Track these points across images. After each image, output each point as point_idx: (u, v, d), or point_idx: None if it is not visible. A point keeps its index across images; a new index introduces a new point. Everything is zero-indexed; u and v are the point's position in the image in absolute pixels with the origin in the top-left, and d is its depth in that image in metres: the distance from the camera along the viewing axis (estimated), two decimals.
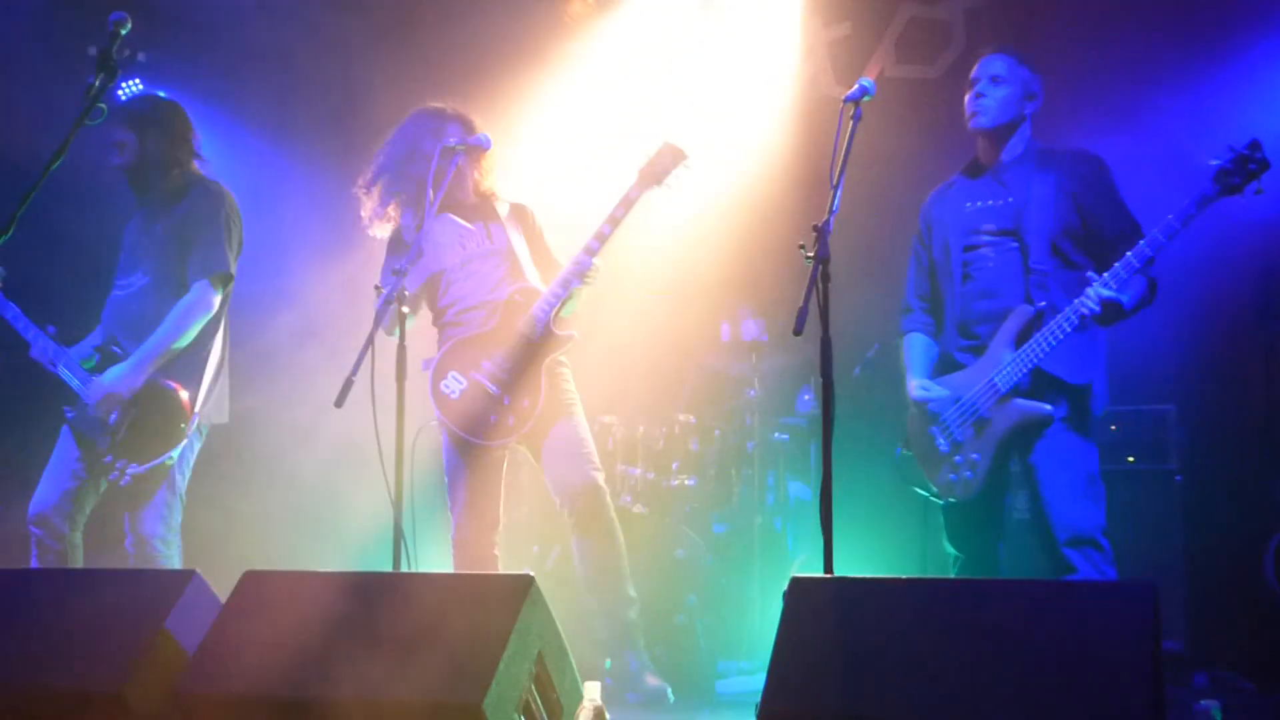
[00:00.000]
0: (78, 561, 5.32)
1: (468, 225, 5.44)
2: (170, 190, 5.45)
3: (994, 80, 4.77)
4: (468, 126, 5.34)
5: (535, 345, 5.20)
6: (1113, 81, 6.38)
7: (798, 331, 3.83)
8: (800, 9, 7.33)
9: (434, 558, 5.69)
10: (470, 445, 5.23)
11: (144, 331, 5.30)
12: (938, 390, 4.76)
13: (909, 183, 5.58)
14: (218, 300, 5.36)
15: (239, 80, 7.61)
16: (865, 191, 6.11)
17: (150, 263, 5.42)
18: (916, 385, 4.84)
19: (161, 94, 6.16)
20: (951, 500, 4.72)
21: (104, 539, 5.54)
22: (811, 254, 3.93)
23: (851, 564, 4.02)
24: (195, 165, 5.55)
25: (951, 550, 4.80)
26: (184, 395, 5.25)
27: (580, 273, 5.17)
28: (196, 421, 5.30)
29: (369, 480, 4.49)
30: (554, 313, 5.20)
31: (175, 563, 5.31)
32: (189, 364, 5.32)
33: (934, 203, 5.03)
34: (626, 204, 5.19)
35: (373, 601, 3.73)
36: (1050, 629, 3.06)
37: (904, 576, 3.43)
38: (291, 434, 7.31)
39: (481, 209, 5.50)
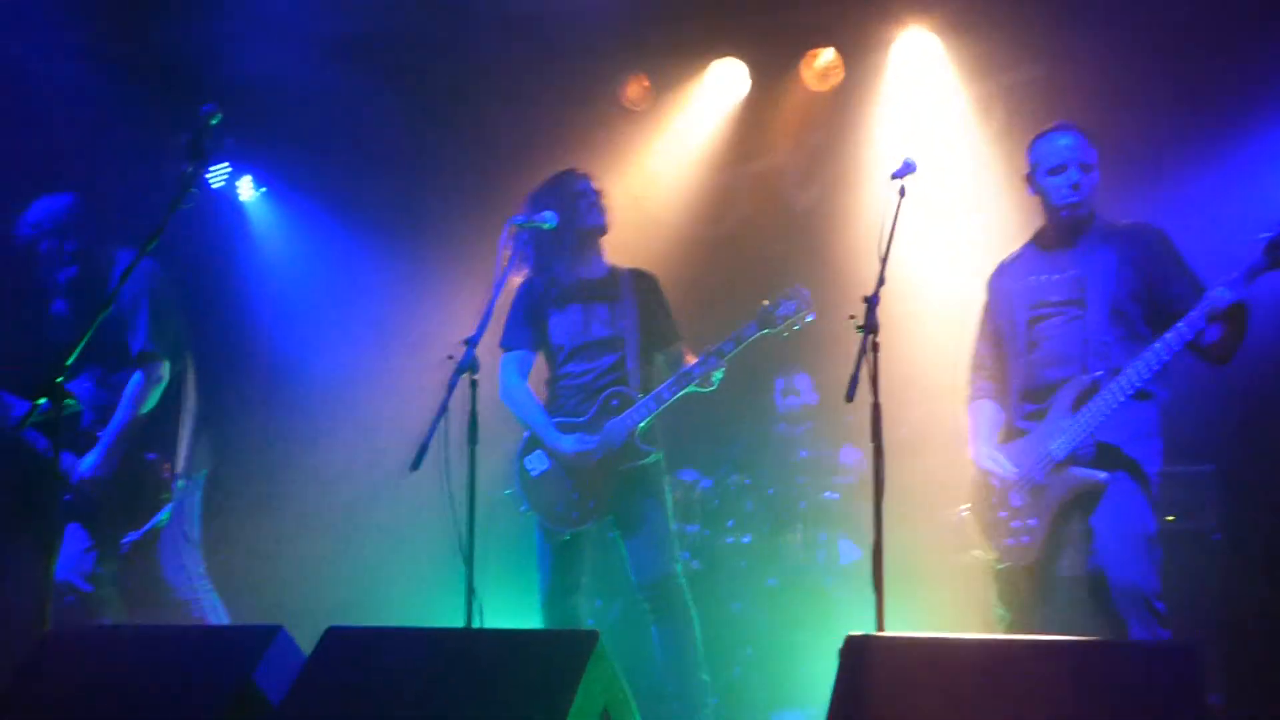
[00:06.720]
0: (119, 613, 5.46)
1: (585, 306, 5.36)
2: (98, 281, 5.47)
3: (1084, 168, 4.69)
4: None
5: (615, 453, 5.17)
6: (1154, 151, 6.35)
7: (849, 399, 3.84)
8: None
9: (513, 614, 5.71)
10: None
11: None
12: (1005, 464, 4.68)
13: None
14: (164, 369, 5.45)
15: (316, 162, 7.74)
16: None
17: (102, 351, 5.42)
18: (985, 455, 4.76)
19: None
20: (1010, 564, 4.64)
21: (142, 597, 5.62)
22: (861, 324, 3.96)
23: (900, 623, 4.00)
24: (107, 251, 5.52)
25: (1000, 610, 4.73)
26: (162, 464, 5.39)
27: (674, 390, 5.12)
28: (180, 483, 5.43)
29: (439, 535, 4.53)
30: (637, 426, 5.15)
31: (206, 606, 5.44)
32: (162, 430, 5.47)
33: (1000, 274, 4.96)
34: (737, 341, 5.08)
35: (447, 657, 3.76)
36: (1098, 688, 3.04)
37: (954, 635, 3.42)
38: (359, 492, 7.41)
39: (606, 285, 5.41)
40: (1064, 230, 4.77)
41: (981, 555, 4.73)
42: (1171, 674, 2.99)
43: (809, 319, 5.08)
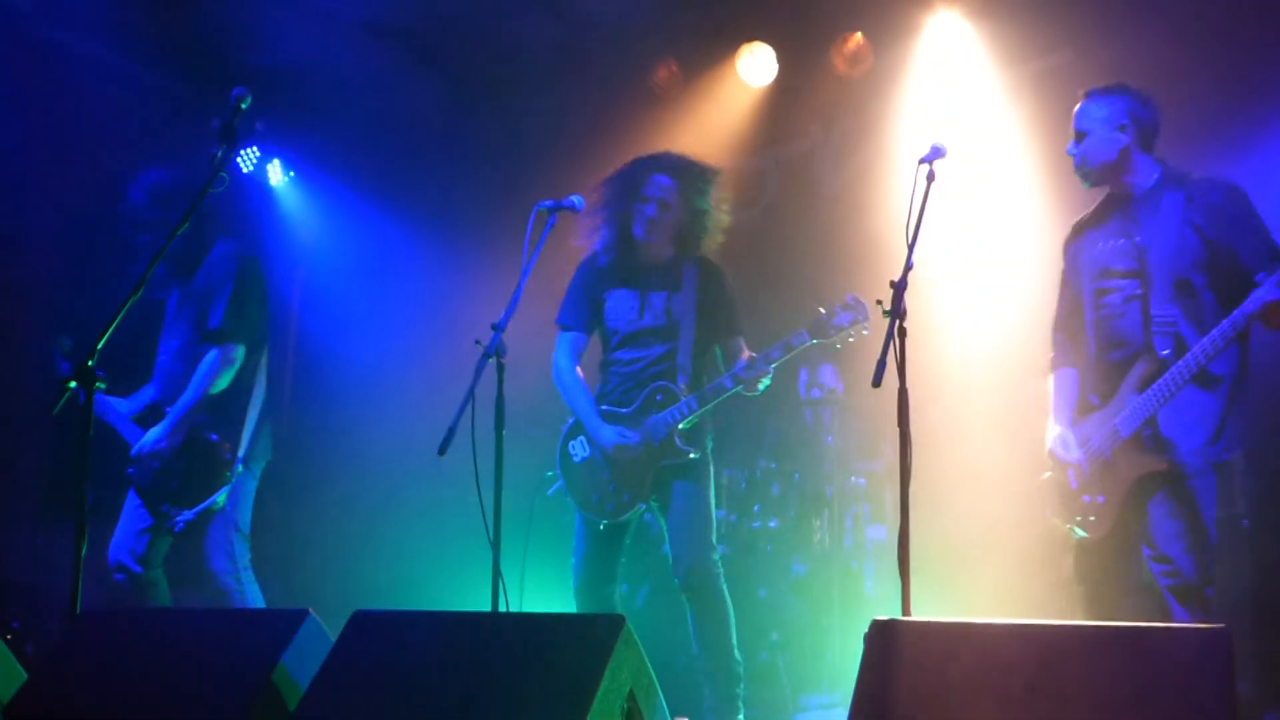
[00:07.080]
0: (162, 597, 5.47)
1: (643, 293, 5.26)
2: (190, 258, 5.50)
3: (1075, 138, 4.65)
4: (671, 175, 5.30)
5: (655, 450, 5.11)
6: (1182, 140, 6.26)
7: (876, 384, 3.79)
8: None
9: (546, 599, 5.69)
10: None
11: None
12: (1075, 453, 4.60)
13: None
14: (239, 353, 5.44)
15: (347, 147, 7.74)
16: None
17: (182, 326, 5.52)
18: (1058, 440, 4.68)
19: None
20: (1084, 535, 4.58)
21: (184, 578, 5.64)
22: (888, 309, 3.90)
23: (925, 607, 3.97)
24: (207, 231, 5.54)
25: (1077, 585, 4.67)
26: (224, 444, 5.37)
27: (717, 393, 5.06)
28: (239, 467, 5.41)
29: (472, 519, 4.51)
30: (677, 425, 5.08)
31: (249, 595, 5.43)
32: (230, 412, 5.44)
33: (1072, 239, 4.87)
34: (787, 348, 5.01)
35: (474, 641, 3.74)
36: (1126, 673, 3.00)
37: (980, 620, 3.38)
38: (393, 477, 7.41)
39: (667, 273, 5.30)
40: (1115, 190, 4.70)
41: (1059, 524, 4.67)
42: (1202, 659, 2.95)
43: (865, 333, 4.98)
